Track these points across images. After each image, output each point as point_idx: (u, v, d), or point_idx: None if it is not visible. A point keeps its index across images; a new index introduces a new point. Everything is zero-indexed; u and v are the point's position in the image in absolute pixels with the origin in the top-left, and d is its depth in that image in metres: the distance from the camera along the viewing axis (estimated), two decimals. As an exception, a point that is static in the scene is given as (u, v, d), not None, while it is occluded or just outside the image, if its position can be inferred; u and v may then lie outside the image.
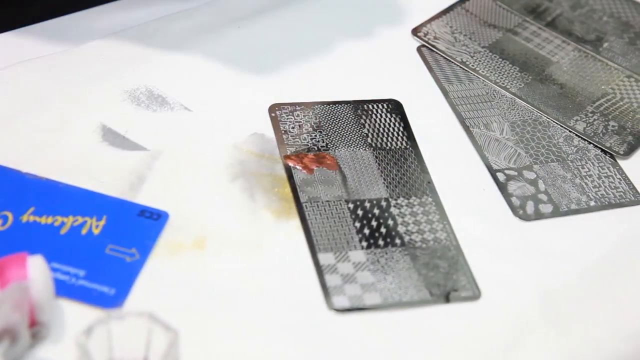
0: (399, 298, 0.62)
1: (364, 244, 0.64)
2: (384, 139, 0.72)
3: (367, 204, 0.67)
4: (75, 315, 0.58)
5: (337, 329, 0.60)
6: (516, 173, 0.71)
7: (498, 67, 0.78)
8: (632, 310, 0.64)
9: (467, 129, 0.74)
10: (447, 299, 0.62)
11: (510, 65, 0.79)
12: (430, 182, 0.69)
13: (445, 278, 0.63)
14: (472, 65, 0.78)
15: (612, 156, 0.73)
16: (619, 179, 0.72)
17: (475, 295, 0.63)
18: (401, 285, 0.62)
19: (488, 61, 0.79)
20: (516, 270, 0.65)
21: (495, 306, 0.63)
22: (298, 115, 0.72)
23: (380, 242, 0.65)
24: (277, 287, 0.62)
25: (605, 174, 0.72)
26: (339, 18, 0.82)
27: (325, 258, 0.63)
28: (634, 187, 0.71)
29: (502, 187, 0.70)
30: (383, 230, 0.65)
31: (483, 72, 0.78)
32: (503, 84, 0.77)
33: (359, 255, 0.64)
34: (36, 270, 0.56)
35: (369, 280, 0.62)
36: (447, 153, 0.72)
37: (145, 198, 0.65)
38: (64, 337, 0.57)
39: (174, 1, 0.81)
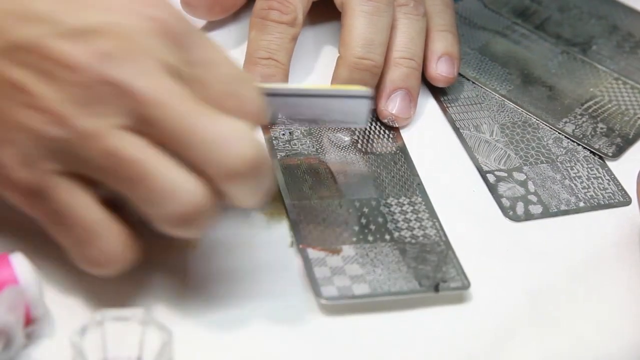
0: (387, 289, 0.62)
1: (354, 239, 0.65)
2: (374, 143, 0.72)
3: (357, 204, 0.67)
4: (69, 315, 0.58)
5: (328, 321, 0.61)
6: (506, 174, 0.71)
7: (488, 69, 0.79)
8: (620, 309, 0.64)
9: (457, 130, 0.74)
10: (436, 289, 0.62)
11: (499, 67, 0.79)
12: (420, 183, 0.70)
13: (435, 270, 0.63)
14: (462, 68, 0.78)
15: (601, 158, 0.74)
16: (608, 180, 0.72)
17: (464, 285, 0.63)
18: (390, 277, 0.62)
19: (478, 63, 0.79)
20: (506, 270, 0.65)
21: (484, 305, 0.63)
22: (288, 122, 0.72)
23: (370, 238, 0.65)
24: (269, 284, 0.62)
25: (594, 175, 0.72)
26: (328, 25, 0.82)
27: (314, 253, 0.63)
28: (622, 189, 0.71)
29: (492, 188, 0.70)
30: (372, 227, 0.66)
31: (473, 74, 0.78)
32: (493, 86, 0.78)
33: (348, 250, 0.64)
34: (22, 267, 0.56)
35: (358, 273, 0.62)
36: (437, 155, 0.73)
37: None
38: (58, 337, 0.57)
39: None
